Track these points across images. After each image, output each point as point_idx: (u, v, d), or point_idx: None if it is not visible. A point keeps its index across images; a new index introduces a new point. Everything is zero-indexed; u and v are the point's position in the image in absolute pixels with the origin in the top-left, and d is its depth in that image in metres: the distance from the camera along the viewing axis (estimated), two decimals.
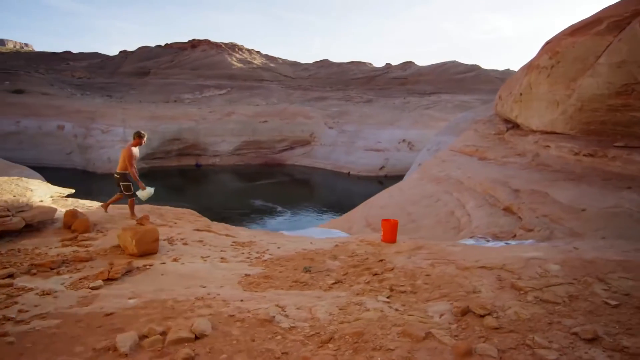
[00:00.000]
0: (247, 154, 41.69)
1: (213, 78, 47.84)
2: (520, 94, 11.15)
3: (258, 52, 56.15)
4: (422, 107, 44.31)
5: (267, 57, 56.13)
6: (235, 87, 47.49)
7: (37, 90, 38.17)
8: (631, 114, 8.37)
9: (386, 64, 54.38)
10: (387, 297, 3.00)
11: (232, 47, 52.79)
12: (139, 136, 6.48)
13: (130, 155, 6.28)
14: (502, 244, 5.20)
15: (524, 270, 3.26)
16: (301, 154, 42.50)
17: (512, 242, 5.27)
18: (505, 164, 9.81)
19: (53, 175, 31.49)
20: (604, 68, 8.36)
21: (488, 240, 5.67)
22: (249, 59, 52.74)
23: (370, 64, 56.14)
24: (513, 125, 12.50)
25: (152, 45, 51.67)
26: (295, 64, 56.62)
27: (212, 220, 7.76)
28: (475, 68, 49.98)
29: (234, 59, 51.29)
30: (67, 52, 49.65)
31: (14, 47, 66.64)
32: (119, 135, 34.44)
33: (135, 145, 6.45)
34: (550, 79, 10.12)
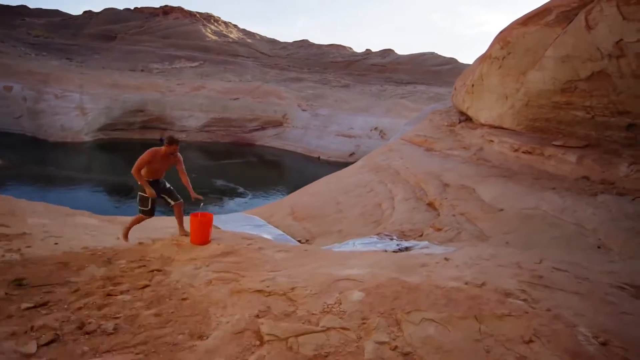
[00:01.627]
0: (216, 132, 40.26)
1: (185, 49, 45.58)
2: (472, 85, 10.73)
3: (235, 26, 53.87)
4: (397, 96, 43.91)
5: (244, 31, 53.96)
6: (208, 61, 45.47)
7: None
8: (573, 112, 8.06)
9: (366, 49, 53.44)
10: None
11: (208, 18, 50.32)
12: (169, 142, 4.76)
13: (143, 160, 4.67)
14: (394, 245, 4.75)
15: (310, 301, 2.42)
16: (272, 135, 41.47)
17: (406, 244, 4.83)
18: (448, 156, 9.43)
19: (3, 140, 29.58)
20: (550, 62, 7.96)
21: (392, 239, 5.22)
22: (224, 32, 50.51)
23: (351, 48, 55.03)
24: (467, 118, 12.14)
25: (121, 8, 48.51)
26: (273, 42, 54.76)
27: None
28: (452, 61, 49.83)
29: (209, 30, 48.96)
30: (23, 7, 45.82)
31: None
32: (75, 102, 32.37)
33: (165, 152, 4.75)
34: (502, 71, 9.70)
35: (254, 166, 35.25)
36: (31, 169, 25.66)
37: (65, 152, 30.37)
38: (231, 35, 50.72)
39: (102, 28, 45.81)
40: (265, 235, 6.12)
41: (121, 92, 34.77)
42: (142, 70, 41.98)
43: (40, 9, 46.53)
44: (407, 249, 4.61)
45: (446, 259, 3.37)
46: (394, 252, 4.61)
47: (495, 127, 10.11)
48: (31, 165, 26.34)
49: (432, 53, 51.20)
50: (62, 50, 41.73)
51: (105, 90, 34.05)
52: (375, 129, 38.52)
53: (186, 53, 45.11)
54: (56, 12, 47.66)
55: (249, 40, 51.84)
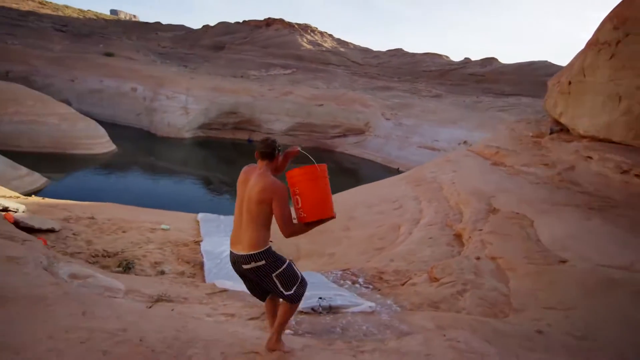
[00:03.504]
0: (299, 136, 40.98)
1: (281, 57, 47.75)
2: (569, 83, 8.03)
3: (330, 36, 54.61)
4: (495, 109, 38.93)
5: (338, 41, 54.33)
6: (300, 68, 46.83)
7: (125, 55, 41.76)
8: None
9: (465, 58, 48.82)
10: None
11: (305, 28, 52.01)
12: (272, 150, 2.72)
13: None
14: (314, 301, 3.18)
15: None
16: (353, 143, 40.50)
17: (340, 301, 3.19)
18: (518, 173, 7.13)
19: (123, 132, 34.67)
20: None
21: (358, 284, 3.62)
22: (319, 41, 51.54)
23: (447, 57, 50.98)
24: (562, 129, 9.29)
25: (232, 21, 53.25)
26: (366, 51, 53.94)
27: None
28: None
29: (305, 40, 50.51)
30: (157, 23, 53.65)
31: (124, 17, 74.56)
32: (181, 103, 36.11)
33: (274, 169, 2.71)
34: (614, 62, 6.97)
35: (330, 172, 34.59)
36: (139, 158, 29.27)
37: (168, 145, 34.04)
38: (325, 45, 51.51)
39: (214, 39, 50.85)
40: None
41: (219, 95, 37.71)
42: (241, 77, 45.21)
43: (170, 24, 53.97)
44: (330, 308, 3.06)
45: None
46: (306, 311, 3.12)
47: (599, 140, 7.36)
48: (140, 155, 30.11)
49: (545, 62, 44.25)
50: (181, 58, 47.47)
51: (206, 93, 37.33)
52: (464, 142, 34.52)
53: (281, 61, 47.18)
54: (181, 27, 54.71)
55: (342, 49, 51.98)
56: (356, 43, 55.87)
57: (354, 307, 3.12)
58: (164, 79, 37.34)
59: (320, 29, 54.60)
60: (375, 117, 40.06)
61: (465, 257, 4.08)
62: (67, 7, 52.07)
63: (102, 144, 28.00)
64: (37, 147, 24.50)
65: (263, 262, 2.44)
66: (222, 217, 9.91)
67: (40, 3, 48.72)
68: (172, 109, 35.75)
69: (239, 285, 3.48)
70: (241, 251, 2.46)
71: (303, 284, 2.58)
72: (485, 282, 3.55)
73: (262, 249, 2.46)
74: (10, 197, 8.97)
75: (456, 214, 5.80)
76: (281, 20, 50.94)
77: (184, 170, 28.97)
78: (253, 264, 2.43)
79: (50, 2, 50.94)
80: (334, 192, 2.67)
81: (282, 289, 2.48)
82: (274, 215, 2.46)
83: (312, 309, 3.19)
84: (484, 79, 45.47)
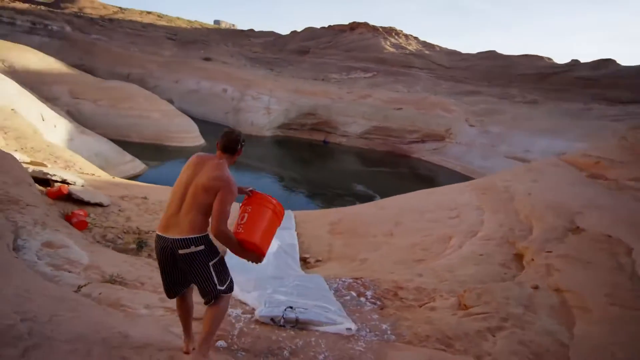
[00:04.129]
0: (374, 139, 40.21)
1: (362, 61, 47.48)
2: None
3: (415, 38, 52.53)
4: (608, 118, 33.19)
5: (423, 43, 51.97)
6: (381, 72, 45.96)
7: (220, 59, 45.78)
8: None
9: (572, 60, 42.58)
10: None
11: (389, 32, 50.90)
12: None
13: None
14: (279, 310, 2.59)
15: None
16: (431, 149, 38.27)
17: (311, 315, 2.53)
18: (622, 189, 5.73)
19: (212, 128, 37.93)
20: None
21: (364, 298, 2.97)
22: (403, 44, 49.94)
23: (550, 59, 45.06)
24: None
25: (318, 26, 54.69)
26: (453, 53, 50.61)
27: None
28: None
29: (388, 43, 49.43)
30: (251, 30, 57.75)
31: (225, 26, 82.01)
32: (264, 103, 38.14)
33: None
34: None
35: (403, 178, 33.21)
36: None
37: (249, 142, 35.68)
38: (409, 47, 49.73)
39: (300, 44, 52.79)
40: (275, 241, 4.92)
41: (299, 97, 38.90)
42: (322, 80, 46.09)
43: (261, 31, 57.70)
44: (297, 322, 2.45)
45: None
46: (264, 321, 2.59)
47: None
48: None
49: None
50: (268, 62, 50.31)
51: (288, 94, 38.85)
52: (563, 155, 30.00)
53: (362, 64, 46.86)
54: (271, 33, 58.07)
55: (427, 52, 49.60)
56: (443, 46, 52.82)
57: (328, 325, 2.56)
58: (251, 81, 39.87)
59: (406, 31, 52.87)
60: (458, 123, 37.24)
61: (518, 284, 3.16)
62: (178, 18, 59.27)
63: (193, 138, 30.94)
64: (142, 139, 28.08)
65: (202, 247, 2.28)
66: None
67: (158, 16, 56.23)
68: (255, 109, 37.95)
69: (240, 294, 3.22)
70: (178, 235, 2.26)
71: (231, 279, 2.41)
72: (536, 321, 2.63)
73: (204, 234, 2.32)
74: (97, 175, 10.13)
75: (524, 229, 4.71)
76: (365, 24, 50.66)
77: (260, 166, 30.46)
78: (193, 249, 2.24)
79: (166, 15, 58.50)
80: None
81: (216, 281, 2.30)
82: (213, 208, 2.31)
83: (272, 319, 2.67)
84: (596, 84, 39.10)
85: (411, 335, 2.59)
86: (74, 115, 25.82)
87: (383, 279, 3.53)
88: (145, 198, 7.97)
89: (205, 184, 2.33)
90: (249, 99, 38.49)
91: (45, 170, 7.36)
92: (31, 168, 7.29)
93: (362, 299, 3.20)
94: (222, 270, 2.34)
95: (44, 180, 7.03)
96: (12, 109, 12.79)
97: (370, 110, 39.05)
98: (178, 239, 2.24)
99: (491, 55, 48.96)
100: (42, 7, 48.74)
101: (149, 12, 55.39)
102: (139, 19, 52.14)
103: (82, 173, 9.35)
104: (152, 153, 27.02)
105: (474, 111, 37.82)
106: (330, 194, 25.42)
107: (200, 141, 31.41)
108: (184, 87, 40.94)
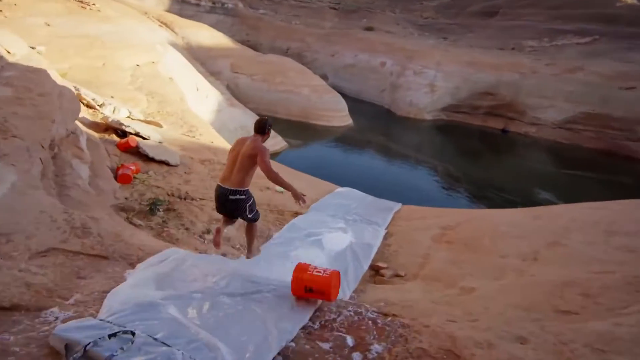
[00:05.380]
0: (581, 132, 33.31)
1: (576, 21, 39.60)
2: None
3: None
4: None
5: None
6: (607, 35, 37.31)
7: (383, 28, 46.03)
8: None
9: None
10: None
11: None
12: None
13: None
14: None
15: None
16: None
17: None
18: None
19: (364, 108, 38.98)
20: None
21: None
22: None
23: None
24: None
25: None
26: None
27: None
28: None
29: None
30: None
31: None
32: (428, 79, 36.42)
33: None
34: None
35: (623, 190, 26.12)
36: (371, 135, 31.96)
37: (404, 126, 35.34)
38: None
39: (486, 4, 47.86)
40: (348, 237, 4.11)
41: (475, 71, 35.49)
42: (512, 49, 40.81)
43: None
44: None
45: None
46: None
47: None
48: (373, 132, 32.79)
49: None
50: (441, 29, 47.70)
51: (460, 68, 35.96)
52: None
53: (576, 26, 39.10)
54: None
55: None
56: None
57: None
58: (415, 53, 38.57)
59: None
60: None
61: None
62: None
63: (341, 117, 32.18)
64: (289, 115, 30.93)
65: (244, 196, 4.31)
66: (371, 198, 9.15)
67: None
68: (417, 85, 36.60)
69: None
70: (230, 186, 4.26)
71: (258, 212, 4.65)
72: None
73: (246, 188, 4.32)
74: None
75: None
76: None
77: (412, 154, 29.27)
78: (238, 196, 4.27)
79: None
80: None
81: (248, 214, 4.44)
82: (258, 166, 4.25)
83: (67, 345, 1.92)
84: None
85: None
86: (232, 89, 30.47)
87: (443, 330, 2.26)
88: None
89: (248, 153, 4.18)
90: (410, 74, 37.35)
91: (122, 120, 8.65)
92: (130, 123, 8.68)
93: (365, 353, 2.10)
94: (253, 209, 4.46)
95: (123, 133, 8.26)
96: (170, 77, 15.83)
97: (579, 90, 32.22)
98: (230, 189, 4.24)
99: None
100: None
101: None
102: None
103: (194, 137, 10.77)
104: (297, 131, 29.41)
105: None
106: (498, 199, 22.31)
107: (348, 121, 32.44)
108: (340, 61, 42.93)
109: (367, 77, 40.86)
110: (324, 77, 41.03)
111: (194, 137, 10.82)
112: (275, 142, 24.93)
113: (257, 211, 4.50)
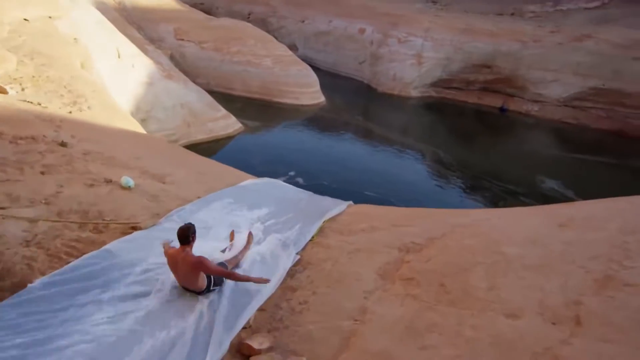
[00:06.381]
0: (589, 110, 32.62)
1: None
2: None
3: None
4: None
5: None
6: None
7: None
8: None
9: None
10: None
11: None
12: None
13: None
14: None
15: None
16: None
17: None
18: None
19: (340, 83, 37.23)
20: None
21: None
22: None
23: None
24: None
25: None
26: None
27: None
28: None
29: None
30: None
31: None
32: (415, 49, 34.96)
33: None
34: None
35: (631, 173, 25.42)
36: (346, 116, 30.33)
37: (387, 105, 33.85)
38: None
39: None
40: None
41: (469, 39, 34.21)
42: (511, 14, 39.86)
43: None
44: None
45: None
46: None
47: None
48: (349, 112, 31.18)
49: None
50: None
51: (451, 36, 34.60)
52: None
53: None
54: None
55: None
56: None
57: None
58: (400, 18, 36.98)
59: None
60: None
61: None
62: None
63: (311, 94, 30.29)
64: (247, 92, 28.88)
65: (215, 288, 4.91)
66: (296, 193, 7.59)
67: None
68: (401, 56, 35.08)
69: None
70: (196, 289, 4.68)
71: (221, 277, 5.00)
72: None
73: (206, 285, 4.65)
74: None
75: None
76: None
77: (396, 138, 27.76)
78: (211, 288, 4.80)
79: None
80: None
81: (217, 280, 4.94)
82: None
83: None
84: None
85: None
86: (177, 60, 28.14)
87: None
88: (63, 144, 7.15)
89: (190, 269, 4.40)
90: (394, 43, 35.74)
91: None
92: None
93: None
94: (218, 278, 4.80)
95: None
96: (75, 38, 13.65)
97: (588, 61, 31.34)
98: (197, 291, 4.60)
99: None
100: None
101: None
102: None
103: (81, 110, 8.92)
104: (256, 111, 27.42)
105: None
106: (496, 189, 21.12)
107: (320, 99, 30.65)
108: (311, 28, 40.95)
109: (343, 47, 39.10)
110: (293, 47, 39.00)
111: (70, 111, 8.88)
112: (227, 123, 22.93)
113: (221, 275, 4.65)
